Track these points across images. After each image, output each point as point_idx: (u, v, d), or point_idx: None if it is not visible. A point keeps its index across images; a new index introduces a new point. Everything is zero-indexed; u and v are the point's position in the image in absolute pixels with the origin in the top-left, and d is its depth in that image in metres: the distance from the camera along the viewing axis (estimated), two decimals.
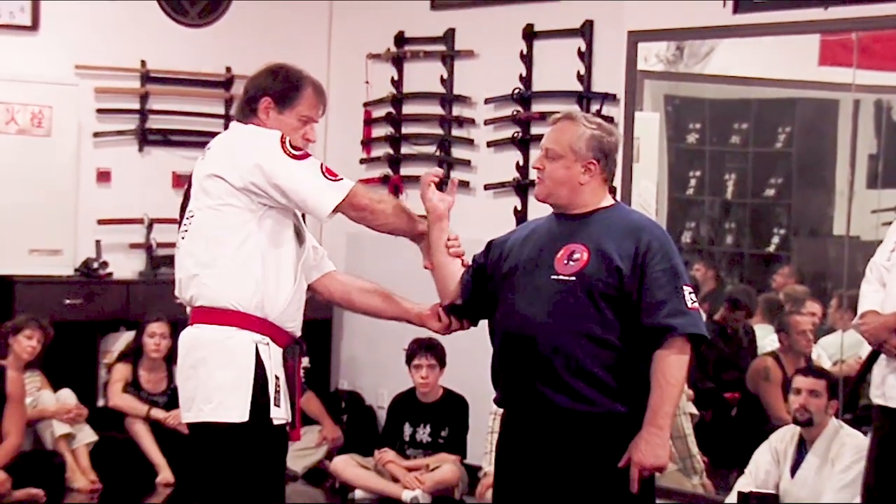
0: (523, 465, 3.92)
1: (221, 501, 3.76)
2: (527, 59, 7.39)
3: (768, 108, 7.78)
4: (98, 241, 7.66)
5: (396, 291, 4.18)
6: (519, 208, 7.37)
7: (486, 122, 7.59)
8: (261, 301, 3.76)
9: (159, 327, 7.23)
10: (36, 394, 6.99)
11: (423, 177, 4.03)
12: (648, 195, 7.04)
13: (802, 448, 5.90)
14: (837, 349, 6.73)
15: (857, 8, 6.02)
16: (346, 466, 7.12)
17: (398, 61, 8.07)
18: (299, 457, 7.36)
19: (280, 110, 3.87)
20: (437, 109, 7.88)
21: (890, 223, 5.52)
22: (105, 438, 7.13)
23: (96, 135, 7.80)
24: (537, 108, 7.34)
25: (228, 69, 8.15)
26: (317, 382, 8.03)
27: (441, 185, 4.06)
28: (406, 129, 8.06)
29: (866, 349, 5.54)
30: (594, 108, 7.00)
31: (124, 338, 7.60)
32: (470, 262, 4.14)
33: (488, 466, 6.73)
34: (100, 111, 7.81)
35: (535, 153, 7.32)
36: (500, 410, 6.89)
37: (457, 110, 7.80)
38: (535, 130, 7.36)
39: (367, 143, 8.22)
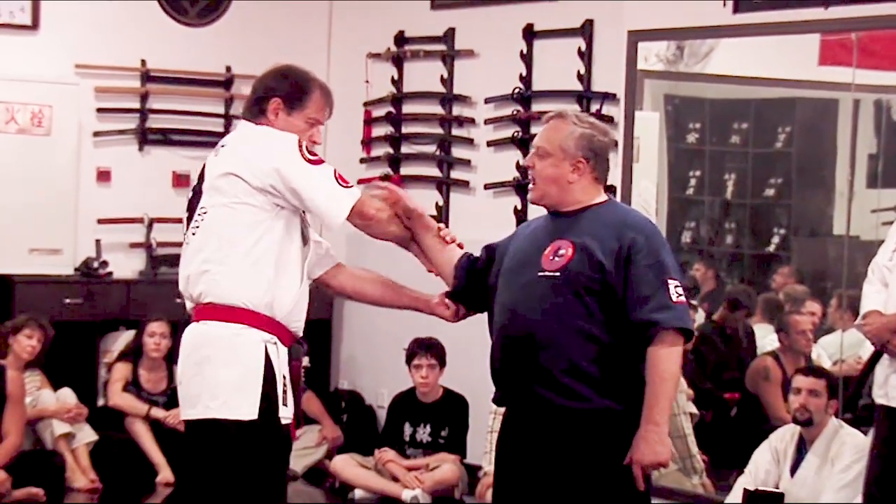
0: (521, 464, 3.93)
1: (226, 499, 3.75)
2: (527, 58, 7.39)
3: (768, 108, 7.78)
4: (98, 241, 7.66)
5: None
6: (519, 208, 7.37)
7: (486, 122, 7.59)
8: (271, 300, 3.77)
9: (159, 327, 7.23)
10: (36, 393, 6.99)
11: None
12: (648, 195, 7.04)
13: (802, 448, 5.90)
14: (837, 349, 6.73)
15: (857, 8, 6.02)
16: (346, 466, 7.12)
17: (398, 61, 8.07)
18: (299, 456, 7.36)
19: (289, 111, 3.89)
20: (437, 109, 7.88)
21: (890, 223, 5.52)
22: (105, 438, 7.13)
23: (96, 134, 7.80)
24: (537, 107, 7.34)
25: (228, 69, 8.15)
26: (316, 382, 8.02)
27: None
28: (406, 129, 8.06)
29: (866, 349, 5.55)
30: (594, 107, 7.01)
31: (124, 337, 7.60)
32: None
33: (488, 466, 6.73)
34: (100, 110, 7.81)
35: None
36: (501, 410, 6.93)
37: (457, 110, 7.80)
38: (535, 130, 7.34)
39: (367, 142, 8.22)
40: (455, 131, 7.81)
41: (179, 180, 7.88)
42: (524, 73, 7.39)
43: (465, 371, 7.11)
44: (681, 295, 3.77)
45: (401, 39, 8.04)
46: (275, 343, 3.80)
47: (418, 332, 6.80)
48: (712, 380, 7.21)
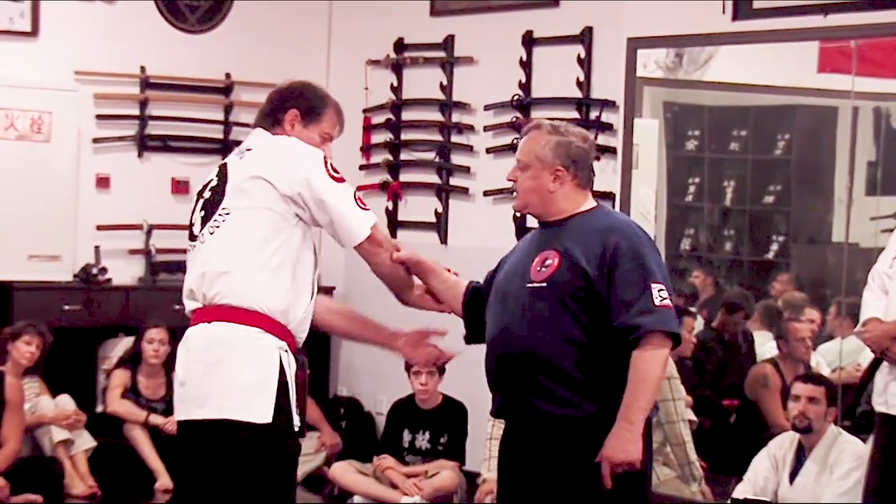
0: (519, 474, 3.94)
1: (236, 501, 3.75)
2: (526, 65, 7.39)
3: (767, 115, 7.79)
4: (97, 247, 7.65)
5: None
6: (518, 215, 7.37)
7: (486, 129, 7.60)
8: (286, 308, 3.80)
9: (158, 333, 7.23)
10: (35, 399, 6.99)
11: None
12: (647, 202, 7.04)
13: (801, 455, 5.90)
14: (836, 356, 6.73)
15: (856, 15, 6.03)
16: (345, 473, 7.12)
17: (398, 67, 8.07)
18: (298, 463, 7.34)
19: (305, 124, 3.95)
20: (436, 116, 7.88)
21: (889, 230, 5.54)
22: (104, 444, 7.12)
23: (96, 140, 7.80)
24: (536, 114, 7.34)
25: (228, 75, 8.16)
26: (316, 389, 8.01)
27: None
28: (405, 136, 8.07)
29: (865, 356, 5.56)
30: (593, 114, 7.02)
31: (123, 344, 7.60)
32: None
33: (487, 473, 6.73)
34: (99, 117, 7.81)
35: None
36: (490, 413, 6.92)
37: (456, 117, 7.80)
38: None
39: (367, 149, 8.23)
40: (454, 138, 7.82)
41: (179, 187, 7.88)
42: (523, 80, 7.40)
43: (464, 378, 7.09)
44: (665, 299, 3.75)
45: (400, 46, 8.05)
46: (286, 350, 3.82)
47: None
48: (711, 387, 7.21)
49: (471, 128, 7.71)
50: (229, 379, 3.74)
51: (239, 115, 8.07)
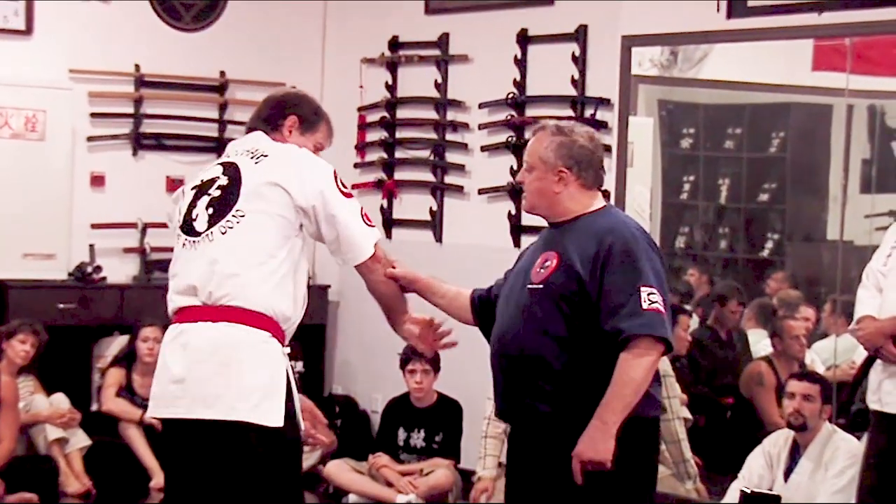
0: (522, 475, 3.95)
1: (245, 502, 3.75)
2: (521, 63, 7.39)
3: (762, 113, 7.79)
4: (92, 246, 7.65)
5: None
6: (513, 213, 7.37)
7: (481, 127, 7.60)
8: (290, 315, 3.83)
9: (153, 332, 7.21)
10: (29, 398, 6.98)
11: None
12: (642, 200, 7.04)
13: (796, 452, 5.91)
14: (831, 354, 6.74)
15: (851, 13, 6.03)
16: (340, 471, 7.12)
17: (392, 65, 8.07)
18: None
19: (302, 132, 4.02)
20: (431, 114, 7.88)
21: (884, 228, 5.54)
22: (98, 443, 7.12)
23: (90, 139, 7.79)
24: (531, 112, 7.35)
25: (223, 73, 8.15)
26: (311, 387, 8.02)
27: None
28: (400, 134, 8.06)
29: (860, 354, 5.56)
30: (588, 112, 7.01)
31: (118, 342, 7.59)
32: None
33: (482, 471, 6.74)
34: (94, 115, 7.80)
35: None
36: (493, 415, 6.95)
37: (451, 115, 7.80)
38: (529, 135, 7.30)
39: (362, 147, 8.23)
40: (449, 136, 7.81)
41: (173, 185, 7.86)
42: (518, 78, 7.39)
43: (459, 376, 7.12)
44: (654, 303, 3.71)
45: (395, 44, 8.05)
46: (286, 355, 3.85)
47: None
48: (706, 384, 7.21)
49: (465, 126, 7.71)
50: (241, 381, 3.72)
51: (234, 113, 8.07)
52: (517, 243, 7.24)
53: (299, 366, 8.02)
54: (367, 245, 3.88)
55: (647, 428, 3.89)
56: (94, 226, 7.71)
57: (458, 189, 7.74)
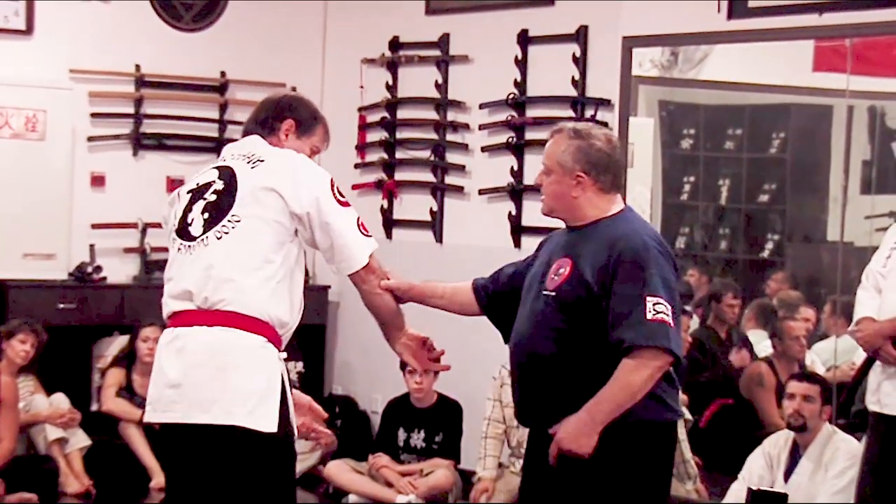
0: (540, 477, 3.94)
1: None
2: (521, 64, 7.39)
3: (762, 114, 7.79)
4: (92, 246, 7.65)
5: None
6: (513, 213, 7.38)
7: (481, 127, 7.60)
8: (287, 321, 3.82)
9: (153, 332, 7.20)
10: (29, 398, 6.98)
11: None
12: (643, 200, 7.04)
13: (796, 453, 5.91)
14: (831, 355, 6.74)
15: (851, 14, 6.03)
16: (340, 471, 7.12)
17: (393, 66, 8.07)
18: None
19: (298, 135, 4.00)
20: (431, 114, 7.88)
21: (884, 229, 5.54)
22: (98, 443, 7.12)
23: (90, 139, 7.79)
24: (532, 113, 7.35)
25: (223, 73, 8.15)
26: (311, 387, 8.01)
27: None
28: (400, 134, 8.06)
29: (860, 355, 5.55)
30: (588, 113, 7.01)
31: (118, 342, 7.59)
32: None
33: (482, 471, 6.74)
34: (94, 115, 7.80)
35: (529, 158, 7.35)
36: (494, 415, 6.94)
37: (451, 115, 7.80)
38: (529, 135, 7.37)
39: (362, 147, 8.22)
40: (449, 136, 7.81)
41: (174, 185, 7.85)
42: (519, 79, 7.39)
43: (459, 377, 7.10)
44: (660, 313, 3.67)
45: (395, 45, 8.05)
46: (282, 360, 3.83)
47: None
48: (706, 385, 7.21)
49: (466, 126, 7.71)
50: (238, 386, 3.71)
51: (234, 113, 8.07)
52: (517, 244, 7.24)
53: (299, 366, 8.02)
54: (361, 255, 3.86)
55: (664, 432, 3.88)
56: (94, 226, 7.71)
57: (459, 189, 7.74)
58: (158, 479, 7.04)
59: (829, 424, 5.90)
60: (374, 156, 8.16)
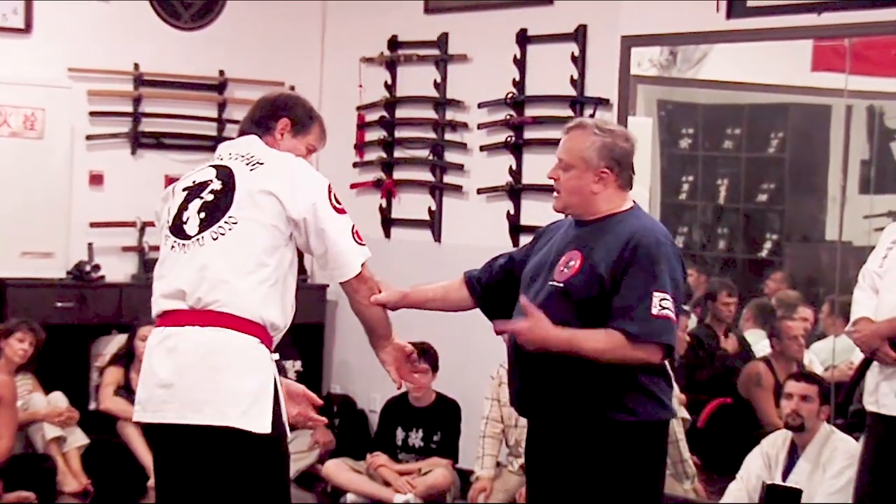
0: (540, 472, 3.96)
1: None
2: (520, 63, 7.39)
3: (761, 114, 7.79)
4: (90, 244, 7.65)
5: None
6: (512, 212, 7.38)
7: (480, 127, 7.60)
8: (277, 324, 3.82)
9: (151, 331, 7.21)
10: (27, 397, 6.98)
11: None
12: (641, 200, 6.98)
13: (794, 453, 5.90)
14: (829, 354, 6.73)
15: (850, 14, 6.03)
16: (338, 470, 7.12)
17: (392, 65, 8.07)
18: (291, 460, 7.32)
19: (294, 134, 3.99)
20: (430, 113, 7.88)
21: (882, 229, 5.53)
22: (96, 441, 7.12)
23: (89, 138, 7.79)
24: (530, 112, 7.35)
25: (222, 72, 8.15)
26: (309, 386, 7.88)
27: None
28: (399, 133, 8.06)
29: (858, 355, 5.55)
30: (587, 112, 7.01)
31: (116, 341, 7.59)
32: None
33: (480, 471, 6.74)
34: (93, 114, 7.80)
35: (528, 157, 7.35)
36: (493, 415, 6.94)
37: (450, 114, 7.80)
38: (528, 135, 7.37)
39: (361, 146, 8.22)
40: (448, 136, 7.81)
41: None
42: (517, 78, 7.39)
43: (457, 376, 7.12)
44: (665, 308, 3.70)
45: (394, 44, 8.05)
46: (274, 362, 3.83)
47: (411, 337, 6.76)
48: (704, 384, 7.21)
49: (465, 125, 7.71)
50: (231, 386, 3.70)
51: (233, 112, 8.06)
52: (516, 243, 7.24)
53: (297, 365, 8.01)
54: (354, 263, 3.86)
55: (658, 431, 3.89)
56: (92, 224, 7.71)
57: (457, 189, 7.74)
58: None
59: (827, 424, 5.89)
60: (373, 155, 8.16)
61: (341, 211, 3.84)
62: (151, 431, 3.93)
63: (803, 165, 7.65)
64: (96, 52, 7.78)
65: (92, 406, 7.47)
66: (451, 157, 7.81)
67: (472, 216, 7.64)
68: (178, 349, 3.77)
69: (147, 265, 7.75)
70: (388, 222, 8.07)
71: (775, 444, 5.98)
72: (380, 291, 3.96)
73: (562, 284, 3.81)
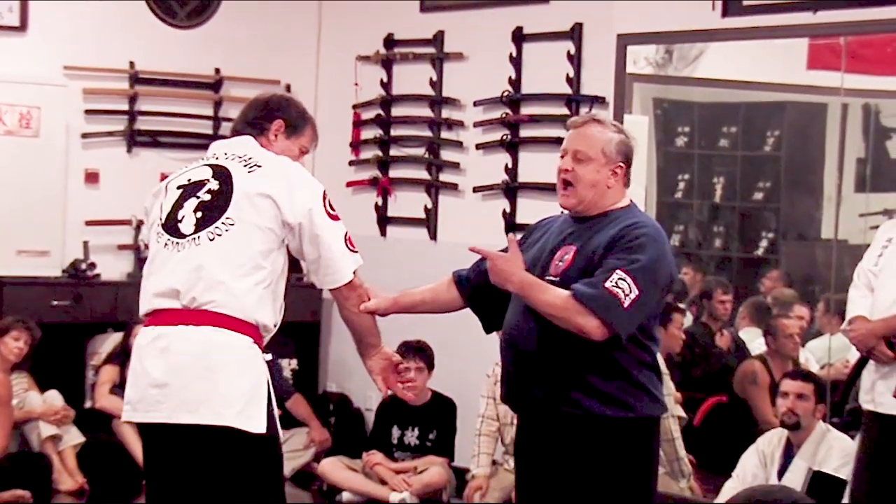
0: (531, 468, 3.96)
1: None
2: (516, 61, 7.39)
3: (757, 112, 7.79)
4: (86, 243, 7.64)
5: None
6: (508, 211, 7.37)
7: (475, 125, 7.59)
8: (269, 326, 3.83)
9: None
10: (23, 395, 6.97)
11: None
12: (637, 198, 7.00)
13: (790, 452, 5.90)
14: (825, 353, 6.74)
15: (846, 12, 6.03)
16: (334, 469, 7.11)
17: (387, 63, 8.06)
18: (287, 459, 7.28)
19: (288, 135, 4.00)
20: (426, 112, 7.88)
21: (877, 227, 5.53)
22: (92, 440, 7.12)
23: (85, 136, 7.78)
24: (526, 110, 7.35)
25: (217, 70, 8.14)
26: (305, 385, 8.02)
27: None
28: (395, 132, 8.06)
29: (854, 353, 5.55)
30: (583, 110, 7.01)
31: (112, 339, 7.58)
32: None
33: (476, 469, 6.73)
34: (88, 112, 7.80)
35: (524, 156, 7.34)
36: (488, 413, 6.94)
37: (446, 113, 7.79)
38: (524, 133, 7.37)
39: (356, 145, 8.22)
40: (444, 134, 7.81)
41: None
42: (513, 77, 7.39)
43: (453, 374, 7.12)
44: (619, 288, 3.66)
45: (390, 42, 8.04)
46: (266, 363, 3.84)
47: (407, 335, 6.79)
48: (700, 382, 7.21)
49: (460, 124, 7.71)
50: (227, 386, 3.70)
51: (228, 110, 8.05)
52: None
53: (293, 363, 8.01)
54: (346, 270, 3.86)
55: (651, 427, 3.90)
56: (88, 223, 7.71)
57: (453, 187, 7.73)
58: None
59: (823, 423, 5.89)
60: (369, 153, 8.16)
61: (335, 217, 3.85)
62: (144, 431, 3.92)
63: (799, 164, 7.66)
64: (92, 50, 7.77)
65: (87, 404, 7.47)
66: (447, 155, 7.80)
67: (467, 214, 7.64)
68: (171, 349, 3.75)
69: (143, 263, 7.72)
70: (384, 220, 8.07)
71: (771, 442, 5.98)
72: (369, 299, 3.96)
73: (557, 278, 3.81)
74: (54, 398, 7.06)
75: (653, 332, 3.87)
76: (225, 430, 3.69)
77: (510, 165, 7.40)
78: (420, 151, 7.92)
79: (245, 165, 3.85)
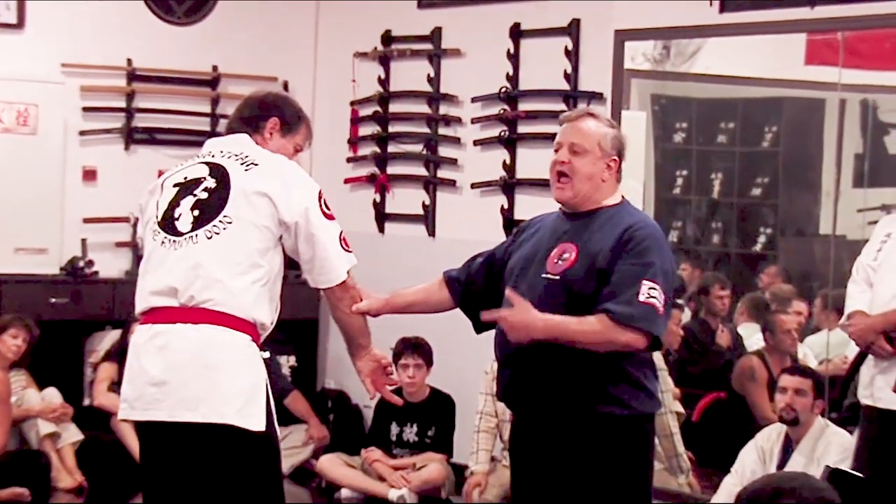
0: (528, 466, 3.96)
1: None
2: (514, 57, 7.39)
3: (755, 108, 7.79)
4: (84, 240, 7.64)
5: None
6: (506, 207, 7.37)
7: (473, 121, 7.59)
8: (266, 324, 3.83)
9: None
10: (21, 393, 6.97)
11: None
12: (635, 194, 7.03)
13: (788, 447, 5.90)
14: (823, 348, 6.74)
15: (843, 7, 6.03)
16: (333, 466, 7.12)
17: (385, 60, 8.06)
18: (286, 456, 7.29)
19: (283, 134, 4.02)
20: (423, 108, 7.87)
21: (876, 222, 5.53)
22: (91, 438, 7.12)
23: (82, 133, 7.78)
24: (524, 106, 7.34)
25: (215, 68, 8.14)
26: (303, 382, 8.02)
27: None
28: (393, 128, 8.05)
29: (852, 348, 5.55)
30: (581, 106, 7.00)
31: (110, 337, 7.58)
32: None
33: (475, 465, 6.74)
34: (86, 109, 7.79)
35: (521, 152, 7.34)
36: (486, 409, 6.94)
37: (443, 109, 7.79)
38: (521, 129, 7.36)
39: (354, 141, 8.21)
40: (442, 130, 7.81)
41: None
42: (511, 73, 7.39)
43: (452, 371, 7.12)
44: (653, 297, 3.71)
45: (388, 38, 8.04)
46: (264, 360, 3.85)
47: (405, 331, 6.80)
48: (698, 378, 7.21)
49: (458, 120, 7.70)
50: (226, 384, 3.71)
51: (226, 107, 8.04)
52: None
53: (292, 360, 8.02)
54: (340, 270, 3.88)
55: (647, 423, 3.91)
56: (86, 220, 7.70)
57: (451, 183, 7.73)
58: None
59: (822, 418, 5.89)
60: (367, 150, 8.15)
61: (331, 217, 3.86)
62: (142, 429, 3.92)
63: (797, 159, 7.66)
64: (89, 47, 7.77)
65: (86, 402, 7.47)
66: (444, 151, 7.80)
67: (465, 211, 7.64)
68: (169, 347, 3.75)
69: (140, 261, 7.73)
70: (381, 217, 8.07)
71: (770, 437, 5.98)
72: (361, 300, 3.97)
73: (557, 277, 3.81)
74: (53, 396, 7.06)
75: None
76: (224, 428, 3.69)
77: (508, 162, 7.40)
78: (418, 148, 7.92)
79: (242, 163, 3.85)
